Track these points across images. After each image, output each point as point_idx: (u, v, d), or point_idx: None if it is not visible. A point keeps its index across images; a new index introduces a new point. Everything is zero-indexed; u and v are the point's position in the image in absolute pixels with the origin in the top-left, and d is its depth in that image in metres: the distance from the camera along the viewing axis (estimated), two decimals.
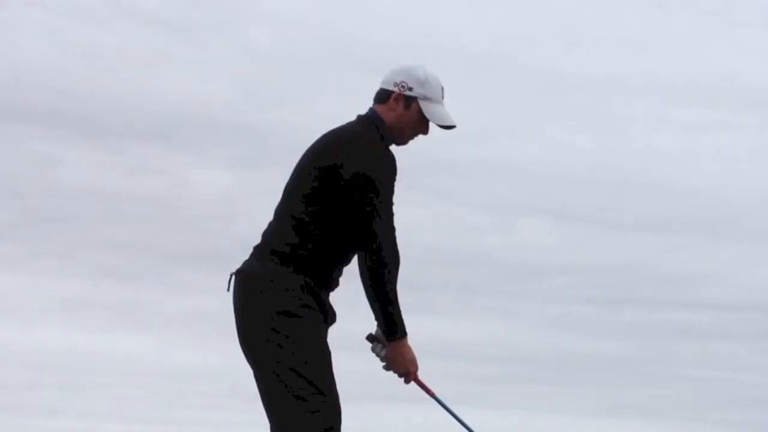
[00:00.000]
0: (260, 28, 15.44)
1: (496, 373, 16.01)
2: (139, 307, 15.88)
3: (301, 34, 15.23)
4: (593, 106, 16.49)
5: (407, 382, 4.84)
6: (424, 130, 4.85)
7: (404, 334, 4.72)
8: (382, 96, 4.81)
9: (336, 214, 4.67)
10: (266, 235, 4.78)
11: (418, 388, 4.87)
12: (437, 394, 4.88)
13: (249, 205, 14.91)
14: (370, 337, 4.82)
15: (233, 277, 4.76)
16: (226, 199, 15.84)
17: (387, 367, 4.81)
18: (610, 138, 16.76)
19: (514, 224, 16.88)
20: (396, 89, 4.78)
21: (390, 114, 4.79)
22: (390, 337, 4.71)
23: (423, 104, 4.78)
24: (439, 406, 4.93)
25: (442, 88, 4.83)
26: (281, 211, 4.78)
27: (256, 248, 4.78)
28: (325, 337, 4.75)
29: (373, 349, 4.81)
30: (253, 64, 15.30)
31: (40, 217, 15.66)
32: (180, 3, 15.51)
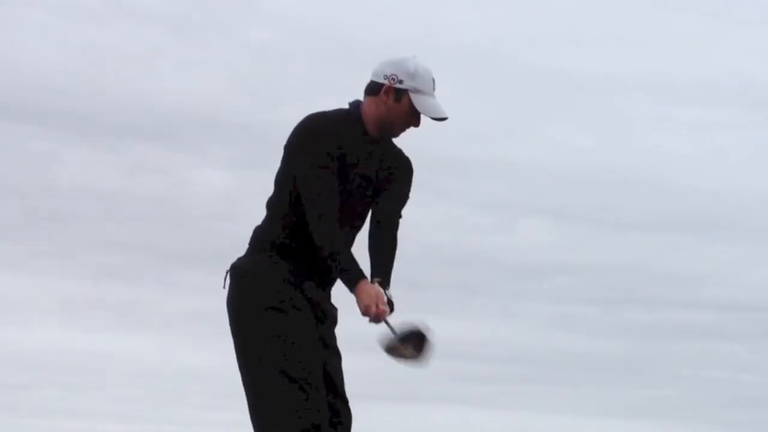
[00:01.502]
0: (260, 27, 15.45)
1: (496, 373, 16.00)
2: (139, 307, 15.89)
3: (301, 34, 15.23)
4: (594, 106, 16.50)
5: (376, 319, 4.56)
6: (415, 123, 4.82)
7: (360, 276, 4.57)
8: (373, 88, 4.77)
9: (288, 197, 4.70)
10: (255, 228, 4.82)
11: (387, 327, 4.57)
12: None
13: (249, 205, 14.89)
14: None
15: (227, 273, 4.77)
16: (227, 198, 15.85)
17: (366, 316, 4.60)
18: (610, 138, 16.77)
19: (514, 224, 16.89)
20: (386, 82, 4.73)
21: (380, 107, 4.76)
22: (351, 288, 4.56)
23: (414, 97, 4.74)
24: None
25: (433, 80, 4.79)
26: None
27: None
28: (311, 331, 4.66)
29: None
30: (254, 64, 15.32)
31: (40, 217, 15.68)
32: (180, 2, 15.51)
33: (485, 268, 16.40)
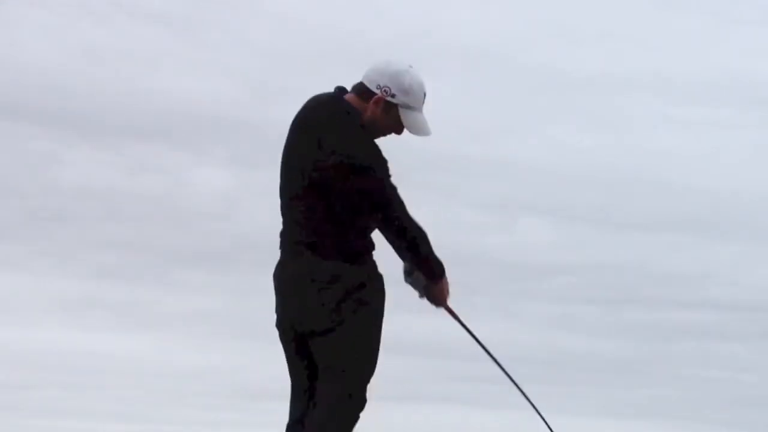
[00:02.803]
0: (261, 25, 15.44)
1: (496, 373, 15.92)
2: (139, 307, 15.88)
3: (301, 32, 15.22)
4: (594, 105, 16.48)
5: (439, 306, 4.93)
6: (399, 131, 4.84)
7: (443, 272, 4.85)
8: (362, 91, 4.76)
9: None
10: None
11: (448, 315, 4.98)
12: (467, 329, 5.03)
13: (249, 205, 14.88)
14: (408, 271, 4.88)
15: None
16: (226, 198, 15.83)
17: (426, 297, 4.91)
18: (611, 137, 16.76)
19: (514, 223, 16.87)
20: (378, 92, 4.73)
21: (368, 113, 4.75)
22: (432, 278, 4.83)
23: (403, 112, 4.75)
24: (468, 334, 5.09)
25: (425, 94, 4.79)
26: None
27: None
28: None
29: (412, 282, 4.88)
30: (254, 62, 15.30)
31: (40, 217, 15.66)
32: (180, 2, 15.50)
33: (485, 267, 16.39)
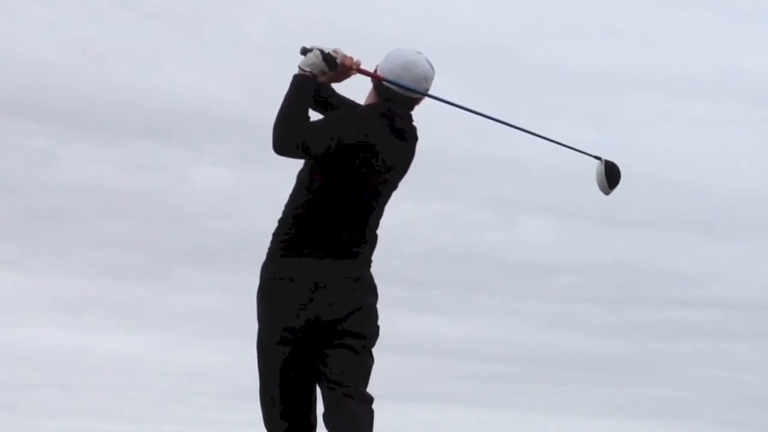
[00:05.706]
0: (260, 21, 15.38)
1: (496, 371, 15.96)
2: (139, 306, 15.84)
3: (301, 28, 15.14)
4: (597, 103, 16.43)
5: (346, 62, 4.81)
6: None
7: (297, 75, 4.89)
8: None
9: None
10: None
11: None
12: None
13: (249, 203, 14.82)
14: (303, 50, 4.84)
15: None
16: (226, 196, 15.76)
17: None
18: (614, 134, 16.70)
19: (516, 221, 16.83)
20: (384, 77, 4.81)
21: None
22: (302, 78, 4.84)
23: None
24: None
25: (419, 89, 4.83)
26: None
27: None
28: None
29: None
30: (253, 59, 15.23)
31: (38, 215, 15.62)
32: None
33: (487, 266, 16.36)
